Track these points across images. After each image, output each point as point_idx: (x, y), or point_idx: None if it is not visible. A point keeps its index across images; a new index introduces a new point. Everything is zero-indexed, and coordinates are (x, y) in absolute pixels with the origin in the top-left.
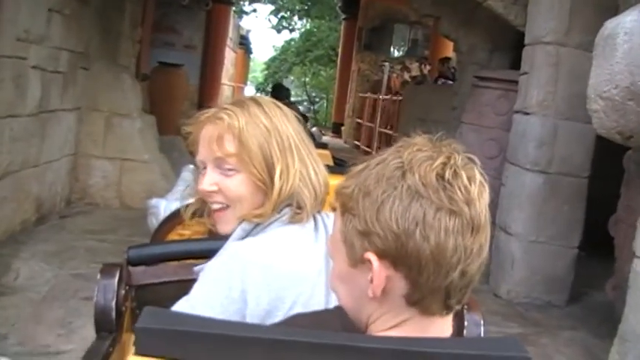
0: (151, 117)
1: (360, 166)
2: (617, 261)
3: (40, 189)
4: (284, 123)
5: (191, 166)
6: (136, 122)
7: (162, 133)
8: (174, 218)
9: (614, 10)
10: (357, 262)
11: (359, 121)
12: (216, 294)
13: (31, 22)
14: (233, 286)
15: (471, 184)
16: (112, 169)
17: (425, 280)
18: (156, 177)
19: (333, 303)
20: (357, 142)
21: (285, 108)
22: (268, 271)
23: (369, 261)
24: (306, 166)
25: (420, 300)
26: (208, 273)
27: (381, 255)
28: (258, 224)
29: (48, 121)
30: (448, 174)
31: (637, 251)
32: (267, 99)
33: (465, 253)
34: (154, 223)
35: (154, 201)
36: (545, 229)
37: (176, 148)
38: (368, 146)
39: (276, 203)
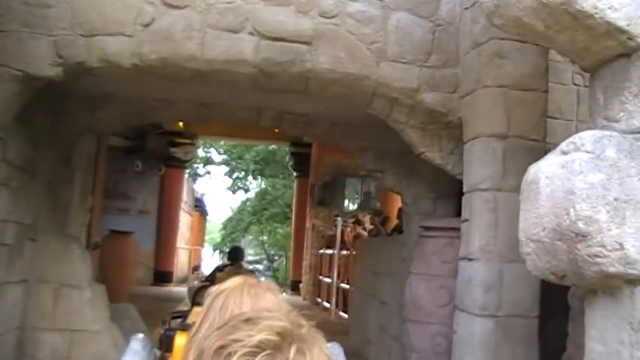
0: (101, 286)
1: None
2: None
3: None
4: None
5: (140, 335)
6: (86, 292)
7: (113, 300)
8: None
9: (545, 152)
10: None
11: (320, 277)
12: None
13: None
14: None
15: None
16: (61, 341)
17: None
18: (107, 347)
19: None
20: (318, 299)
21: None
22: None
23: None
24: None
25: None
26: None
27: None
28: None
29: None
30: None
31: None
32: None
33: None
34: None
35: None
36: None
37: (128, 316)
38: (328, 301)
39: None
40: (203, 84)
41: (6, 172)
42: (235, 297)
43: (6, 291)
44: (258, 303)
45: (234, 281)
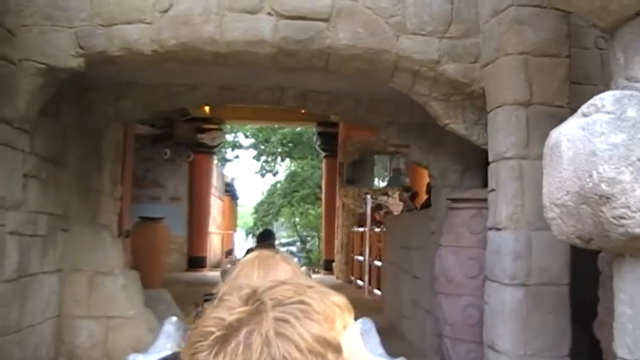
0: (134, 272)
1: None
2: None
3: (22, 354)
4: None
5: (174, 319)
6: (119, 279)
7: (147, 287)
8: None
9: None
10: None
11: (352, 256)
12: None
13: (7, 189)
14: None
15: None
16: (97, 327)
17: None
18: (142, 332)
19: None
20: (351, 277)
21: None
22: None
23: None
24: None
25: None
26: None
27: None
28: None
29: (28, 285)
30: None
31: (617, 352)
32: None
33: None
34: None
35: (131, 356)
36: (532, 341)
37: (163, 301)
38: (361, 279)
39: None
40: (224, 67)
41: (35, 164)
42: (247, 270)
43: (42, 281)
44: (269, 273)
45: (249, 255)
